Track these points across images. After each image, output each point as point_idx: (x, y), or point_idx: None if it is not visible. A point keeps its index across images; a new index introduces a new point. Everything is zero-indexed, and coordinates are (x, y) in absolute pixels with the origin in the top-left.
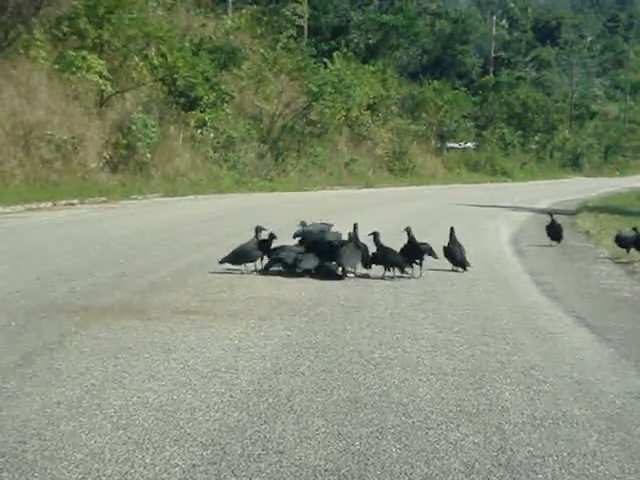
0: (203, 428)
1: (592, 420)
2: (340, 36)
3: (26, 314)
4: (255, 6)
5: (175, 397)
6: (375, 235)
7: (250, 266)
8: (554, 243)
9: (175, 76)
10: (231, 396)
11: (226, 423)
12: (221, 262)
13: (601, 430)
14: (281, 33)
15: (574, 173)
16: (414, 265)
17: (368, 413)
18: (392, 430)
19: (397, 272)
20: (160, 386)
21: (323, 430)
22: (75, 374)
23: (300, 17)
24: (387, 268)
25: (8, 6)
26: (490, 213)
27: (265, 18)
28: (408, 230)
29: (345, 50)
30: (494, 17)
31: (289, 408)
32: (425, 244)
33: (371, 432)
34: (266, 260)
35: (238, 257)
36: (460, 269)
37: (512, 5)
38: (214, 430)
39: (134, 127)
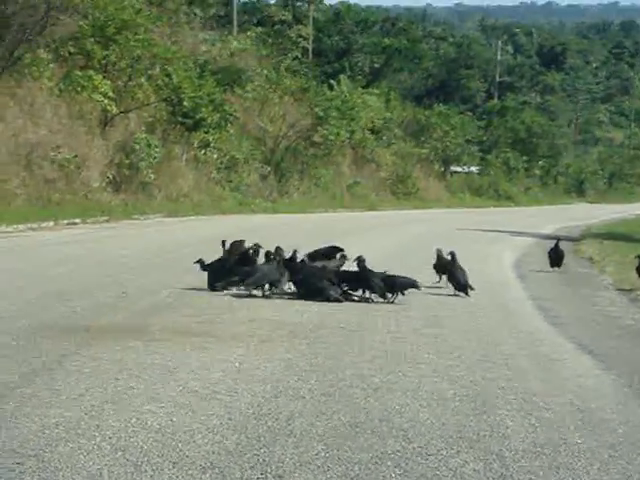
0: (202, 451)
1: (594, 449)
2: (344, 59)
3: (27, 334)
4: (260, 28)
5: (174, 419)
6: (360, 260)
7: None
8: (555, 269)
9: (182, 96)
10: (230, 419)
11: (225, 446)
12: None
13: (603, 459)
14: (286, 55)
15: (578, 199)
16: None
17: (368, 438)
18: (392, 455)
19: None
20: (159, 408)
21: (323, 455)
22: (74, 395)
23: (305, 39)
24: (364, 291)
25: (13, 25)
26: (493, 238)
27: (270, 40)
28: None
29: (349, 73)
30: (499, 42)
31: (289, 432)
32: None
33: (371, 457)
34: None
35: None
36: (462, 294)
37: (517, 30)
38: (213, 453)
39: (137, 147)
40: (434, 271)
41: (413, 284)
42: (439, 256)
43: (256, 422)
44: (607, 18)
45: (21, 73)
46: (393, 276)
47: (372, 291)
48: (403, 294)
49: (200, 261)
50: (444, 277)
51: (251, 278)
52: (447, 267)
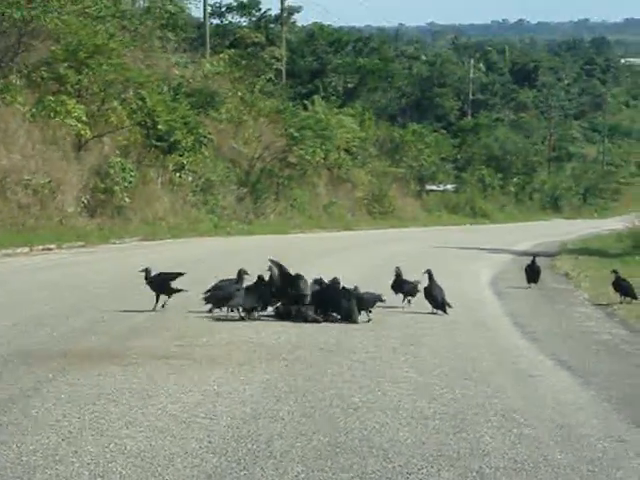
0: (182, 475)
1: (574, 464)
2: (318, 79)
3: (2, 360)
4: (233, 50)
5: (153, 443)
6: (334, 282)
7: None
8: (531, 285)
9: (156, 120)
10: (210, 442)
11: (204, 469)
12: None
13: (583, 474)
14: (259, 76)
15: (554, 215)
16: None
17: (348, 458)
18: (372, 475)
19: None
20: (138, 433)
21: (303, 476)
22: (52, 421)
23: (278, 60)
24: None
25: None
26: (470, 255)
27: (243, 62)
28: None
29: (323, 93)
30: (472, 60)
31: (268, 454)
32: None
33: (352, 477)
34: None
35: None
36: (440, 312)
37: (489, 48)
38: (192, 477)
39: (112, 171)
40: (393, 291)
41: (378, 298)
42: (398, 275)
43: (236, 445)
44: (578, 35)
45: None
46: (359, 294)
47: (339, 313)
48: (370, 311)
49: (146, 270)
50: (409, 298)
51: (232, 301)
52: (404, 286)
